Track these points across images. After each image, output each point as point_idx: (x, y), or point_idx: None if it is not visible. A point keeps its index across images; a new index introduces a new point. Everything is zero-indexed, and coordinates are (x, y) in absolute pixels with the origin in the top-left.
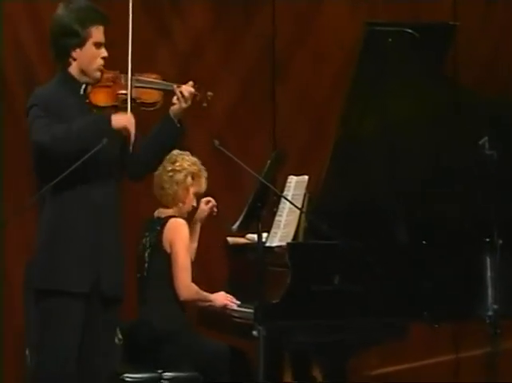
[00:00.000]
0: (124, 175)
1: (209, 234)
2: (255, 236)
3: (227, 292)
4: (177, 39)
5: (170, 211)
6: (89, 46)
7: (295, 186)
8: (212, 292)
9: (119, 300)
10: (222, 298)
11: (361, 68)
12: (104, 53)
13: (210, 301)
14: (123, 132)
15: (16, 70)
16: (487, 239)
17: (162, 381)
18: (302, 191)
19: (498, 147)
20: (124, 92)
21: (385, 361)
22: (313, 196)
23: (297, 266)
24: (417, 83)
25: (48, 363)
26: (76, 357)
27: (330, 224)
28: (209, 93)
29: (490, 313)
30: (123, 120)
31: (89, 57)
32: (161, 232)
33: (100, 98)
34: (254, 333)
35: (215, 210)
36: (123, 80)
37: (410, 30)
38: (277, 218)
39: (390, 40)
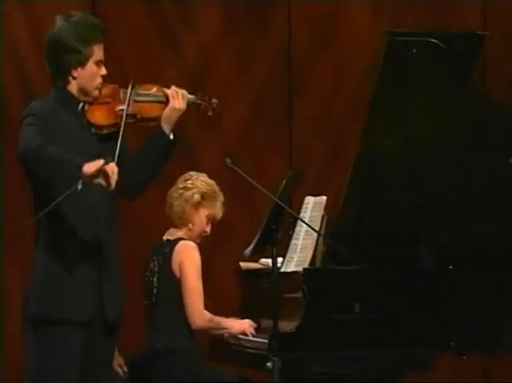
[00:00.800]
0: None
1: (221, 258)
2: (270, 261)
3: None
4: (186, 49)
5: (180, 233)
6: (90, 65)
7: (312, 207)
8: None
9: (119, 325)
10: (239, 325)
11: (383, 80)
12: (103, 71)
13: (226, 328)
14: (99, 179)
15: (15, 82)
16: None
17: None
18: (320, 212)
19: None
20: (124, 108)
21: None
22: (331, 218)
23: (314, 293)
24: (443, 96)
25: None
26: None
27: (350, 248)
28: (214, 101)
29: None
30: (96, 165)
31: (90, 76)
32: (170, 255)
33: (99, 116)
34: (269, 364)
35: (253, 332)
36: (122, 95)
37: (435, 40)
38: (293, 241)
39: (414, 51)
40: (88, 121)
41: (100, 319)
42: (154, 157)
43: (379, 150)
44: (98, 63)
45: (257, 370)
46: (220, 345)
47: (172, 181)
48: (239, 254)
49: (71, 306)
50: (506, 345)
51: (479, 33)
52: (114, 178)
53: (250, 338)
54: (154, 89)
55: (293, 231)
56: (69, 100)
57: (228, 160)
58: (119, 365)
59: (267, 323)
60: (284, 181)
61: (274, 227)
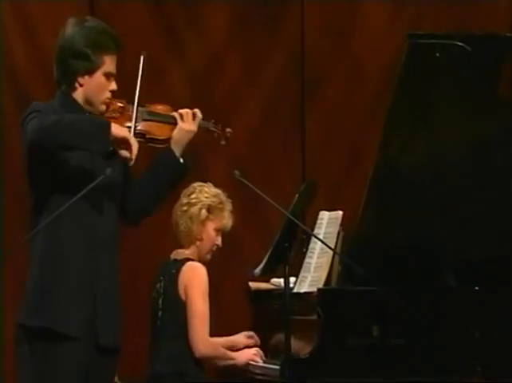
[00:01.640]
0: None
1: (229, 278)
2: (281, 281)
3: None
4: (191, 53)
5: (187, 253)
6: (99, 75)
7: (327, 223)
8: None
9: (118, 349)
10: (246, 355)
11: (403, 87)
12: (113, 85)
13: (232, 359)
14: (121, 147)
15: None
16: None
17: None
18: (336, 228)
19: None
20: (131, 125)
21: None
22: (347, 234)
23: (329, 315)
24: (469, 105)
25: None
26: None
27: (368, 267)
28: (228, 130)
29: None
30: (125, 131)
31: (97, 87)
32: (176, 276)
33: None
34: None
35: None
36: (130, 112)
37: (461, 43)
38: (306, 260)
39: (437, 54)
40: None
41: (92, 342)
42: (161, 177)
43: (399, 162)
44: (108, 75)
45: None
46: (229, 372)
47: (178, 194)
48: (249, 274)
49: (61, 318)
50: None
51: (508, 35)
52: (135, 153)
53: (261, 364)
54: (164, 109)
55: (307, 249)
56: (74, 107)
57: (237, 173)
58: None
59: (278, 347)
60: (297, 195)
61: (287, 244)
